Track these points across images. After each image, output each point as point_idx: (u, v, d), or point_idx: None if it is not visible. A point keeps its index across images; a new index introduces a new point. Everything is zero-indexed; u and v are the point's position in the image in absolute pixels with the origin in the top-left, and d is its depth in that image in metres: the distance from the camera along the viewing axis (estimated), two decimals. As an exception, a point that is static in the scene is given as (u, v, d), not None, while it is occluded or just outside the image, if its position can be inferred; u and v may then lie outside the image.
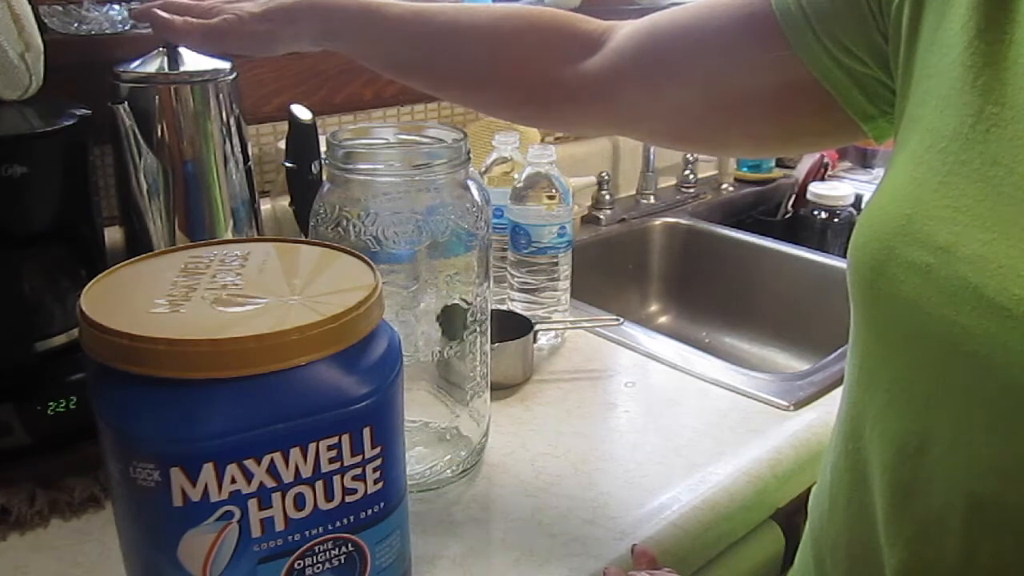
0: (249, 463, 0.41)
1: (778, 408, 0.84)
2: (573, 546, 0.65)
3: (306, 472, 0.42)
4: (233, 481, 0.40)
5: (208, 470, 0.40)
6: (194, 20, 0.75)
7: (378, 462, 0.44)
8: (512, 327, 0.88)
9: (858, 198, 1.48)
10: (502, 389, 0.86)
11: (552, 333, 0.96)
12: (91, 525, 0.66)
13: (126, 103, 0.79)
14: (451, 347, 0.69)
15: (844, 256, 0.58)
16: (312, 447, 0.42)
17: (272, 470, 0.41)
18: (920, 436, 0.45)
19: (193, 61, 0.84)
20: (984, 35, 0.45)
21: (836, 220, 1.47)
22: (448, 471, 0.71)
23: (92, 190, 0.75)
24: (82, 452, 0.71)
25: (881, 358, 0.49)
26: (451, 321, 0.69)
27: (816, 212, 1.48)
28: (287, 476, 0.42)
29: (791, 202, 1.55)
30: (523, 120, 0.88)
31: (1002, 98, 0.43)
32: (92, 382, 0.43)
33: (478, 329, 0.71)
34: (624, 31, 0.66)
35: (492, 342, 0.75)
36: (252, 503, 0.41)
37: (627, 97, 0.66)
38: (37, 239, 0.71)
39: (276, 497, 0.42)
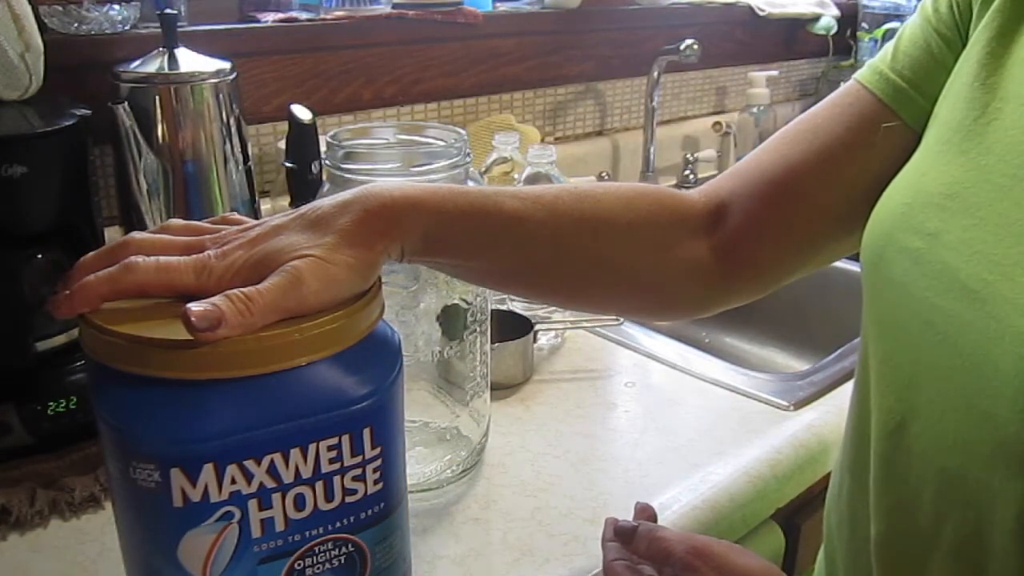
0: (249, 463, 0.41)
1: (778, 408, 0.84)
2: (573, 546, 0.65)
3: (306, 473, 0.42)
4: (233, 482, 0.40)
5: (208, 470, 0.40)
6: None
7: (378, 462, 0.44)
8: (512, 327, 0.88)
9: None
10: (502, 389, 0.86)
11: (552, 333, 0.96)
12: (91, 525, 0.66)
13: (126, 103, 0.79)
14: (451, 347, 0.69)
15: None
16: (312, 447, 0.42)
17: (272, 470, 0.41)
18: (901, 413, 0.47)
19: (193, 61, 0.84)
20: (1001, 37, 0.47)
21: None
22: (448, 471, 0.71)
23: (92, 190, 0.75)
24: (82, 452, 0.71)
25: (876, 338, 0.51)
26: (451, 321, 0.69)
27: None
28: (287, 477, 0.42)
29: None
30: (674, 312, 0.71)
31: (1007, 93, 0.45)
32: (92, 382, 0.43)
33: (478, 329, 0.71)
34: (733, 192, 0.59)
35: (492, 342, 0.75)
36: (252, 504, 0.41)
37: (769, 257, 0.60)
38: (37, 239, 0.71)
39: (276, 498, 0.42)
